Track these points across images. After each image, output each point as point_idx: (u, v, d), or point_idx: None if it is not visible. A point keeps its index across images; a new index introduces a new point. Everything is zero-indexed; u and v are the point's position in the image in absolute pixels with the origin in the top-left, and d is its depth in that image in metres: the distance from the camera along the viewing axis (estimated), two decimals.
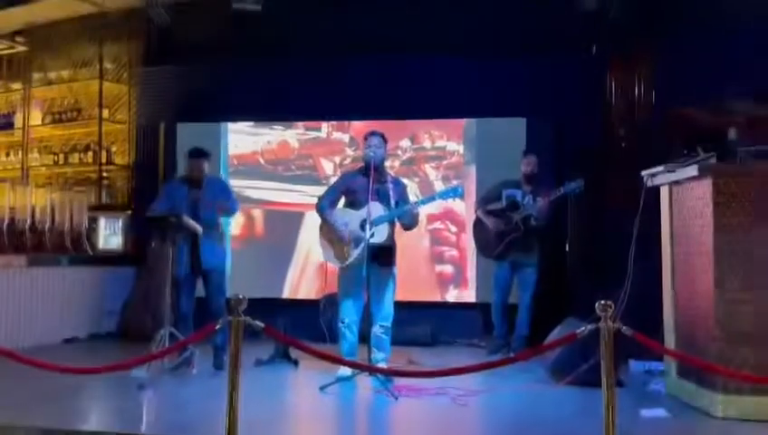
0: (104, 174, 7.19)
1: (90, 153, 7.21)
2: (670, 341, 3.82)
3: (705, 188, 3.47)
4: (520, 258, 5.23)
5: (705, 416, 3.35)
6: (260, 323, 2.89)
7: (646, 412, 3.38)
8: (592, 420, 3.19)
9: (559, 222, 5.90)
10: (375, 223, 4.17)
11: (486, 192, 5.43)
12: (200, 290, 4.70)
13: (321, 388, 3.94)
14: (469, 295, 6.06)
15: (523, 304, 5.25)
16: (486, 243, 5.36)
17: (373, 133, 4.40)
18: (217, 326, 2.87)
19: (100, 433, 3.04)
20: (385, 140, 4.42)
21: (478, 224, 5.45)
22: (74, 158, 7.27)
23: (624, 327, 2.73)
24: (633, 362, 4.53)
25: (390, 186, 4.36)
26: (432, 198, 4.50)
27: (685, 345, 3.64)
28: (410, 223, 4.36)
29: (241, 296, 2.82)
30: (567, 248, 5.69)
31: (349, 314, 4.38)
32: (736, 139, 5.16)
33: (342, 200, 4.51)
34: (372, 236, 4.13)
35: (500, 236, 5.22)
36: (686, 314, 3.71)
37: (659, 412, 3.37)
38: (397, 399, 3.71)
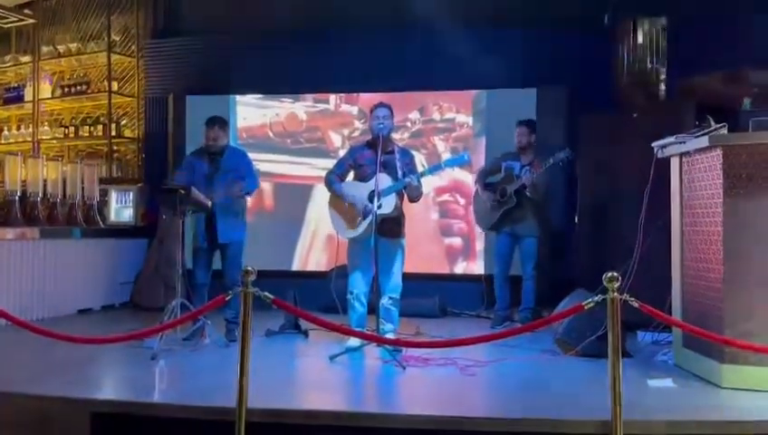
0: (114, 147, 7.23)
1: (99, 126, 7.25)
2: (677, 312, 3.83)
3: (715, 159, 3.44)
4: (518, 230, 5.24)
5: (710, 386, 3.38)
6: (269, 295, 2.93)
7: (653, 383, 3.41)
8: (600, 390, 3.21)
9: (569, 194, 5.90)
10: (383, 194, 4.18)
11: (488, 164, 5.42)
12: (218, 262, 4.74)
13: (331, 358, 4.00)
14: (477, 267, 6.09)
15: (526, 274, 5.27)
16: (483, 215, 5.39)
17: (380, 105, 4.39)
18: (227, 298, 2.92)
19: (114, 402, 3.10)
20: (392, 112, 4.40)
21: (476, 198, 5.48)
22: (84, 131, 7.32)
23: (630, 298, 2.74)
24: (641, 332, 4.55)
25: (397, 156, 4.36)
26: (439, 167, 4.49)
27: (692, 316, 3.65)
28: (413, 195, 4.37)
29: (251, 269, 2.86)
30: (576, 220, 5.67)
31: (357, 286, 4.42)
32: (750, 109, 5.12)
33: (351, 174, 4.52)
34: (380, 207, 4.14)
35: (493, 208, 5.24)
36: (694, 284, 3.71)
37: (666, 382, 3.40)
38: (405, 369, 3.76)
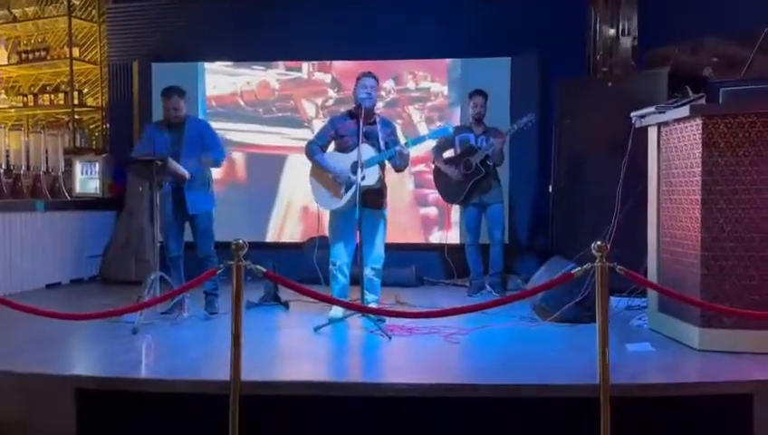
0: (77, 116, 6.98)
1: (60, 94, 6.98)
2: (653, 277, 3.95)
3: (694, 129, 3.52)
4: (484, 199, 5.30)
5: (686, 348, 3.51)
6: (261, 268, 2.90)
7: (631, 347, 3.52)
8: (582, 354, 3.32)
9: (543, 161, 5.97)
10: (366, 165, 4.15)
11: (439, 141, 5.36)
12: (189, 234, 4.66)
13: (316, 329, 4.01)
14: (453, 237, 6.13)
15: (495, 240, 5.34)
16: (451, 190, 5.40)
17: (368, 75, 4.31)
18: (218, 271, 2.88)
19: (101, 378, 3.05)
20: (378, 84, 4.35)
21: (439, 174, 5.47)
22: (44, 99, 7.04)
23: (619, 267, 2.81)
24: (614, 298, 4.66)
25: (379, 127, 4.32)
26: (422, 139, 4.47)
27: (668, 282, 3.77)
28: (401, 164, 4.35)
29: (241, 241, 2.82)
30: (551, 188, 5.75)
31: (340, 257, 4.41)
32: (712, 77, 5.23)
33: (332, 145, 4.46)
34: (363, 178, 4.12)
35: (464, 182, 5.26)
36: (671, 251, 3.82)
37: (645, 346, 3.51)
38: (390, 338, 3.79)
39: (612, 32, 5.82)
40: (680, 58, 5.50)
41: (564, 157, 5.66)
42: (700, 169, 3.46)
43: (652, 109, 3.84)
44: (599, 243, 2.79)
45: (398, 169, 4.41)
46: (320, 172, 4.39)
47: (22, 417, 2.94)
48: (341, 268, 4.41)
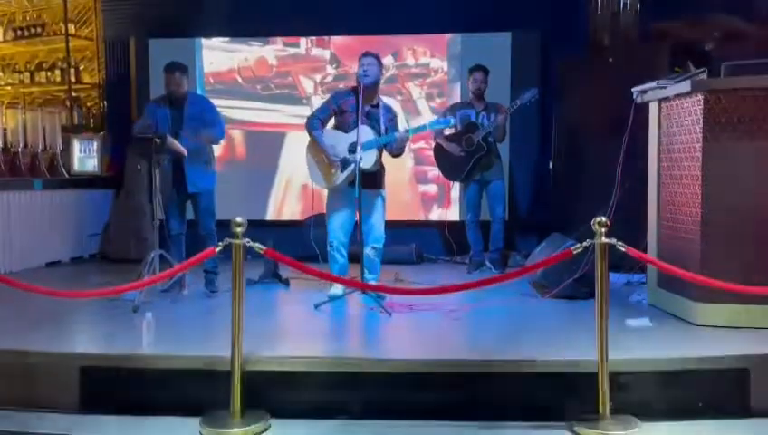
0: (74, 93, 6.93)
1: (57, 71, 6.91)
2: (653, 253, 3.95)
3: (695, 104, 3.49)
4: (486, 176, 5.29)
5: (686, 324, 3.52)
6: (261, 246, 2.91)
7: (631, 322, 3.54)
8: (582, 329, 3.35)
9: (544, 137, 5.95)
10: (364, 147, 4.12)
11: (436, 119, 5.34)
12: (190, 212, 4.65)
13: (316, 306, 4.02)
14: (452, 214, 6.13)
15: (495, 216, 5.33)
16: (452, 167, 5.36)
17: (366, 53, 4.29)
18: (217, 249, 2.88)
19: (105, 356, 3.07)
20: (379, 61, 4.30)
21: (440, 150, 5.43)
22: (41, 76, 6.97)
23: (618, 243, 2.81)
24: (613, 274, 4.68)
25: (382, 111, 4.30)
26: (423, 127, 4.45)
27: (668, 257, 3.76)
28: (398, 151, 4.34)
29: (241, 220, 2.82)
30: (551, 165, 5.74)
31: (337, 237, 4.41)
32: (711, 52, 5.18)
33: (332, 122, 4.44)
34: (361, 160, 4.09)
35: (466, 159, 5.23)
36: (671, 227, 3.82)
37: (644, 322, 3.53)
38: (390, 315, 3.80)
39: (613, 6, 5.76)
40: (682, 33, 5.45)
41: (565, 133, 5.64)
42: (701, 144, 3.44)
43: (653, 84, 3.81)
44: (599, 219, 2.79)
45: (394, 155, 4.39)
46: (316, 150, 4.37)
47: (25, 395, 2.96)
48: (339, 248, 4.41)
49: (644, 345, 3.16)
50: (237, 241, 2.81)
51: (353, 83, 4.30)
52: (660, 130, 3.93)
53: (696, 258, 3.48)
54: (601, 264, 2.77)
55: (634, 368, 2.91)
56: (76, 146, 6.41)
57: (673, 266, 3.14)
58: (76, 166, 6.42)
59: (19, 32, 6.98)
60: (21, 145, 5.77)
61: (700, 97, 3.44)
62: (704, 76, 3.62)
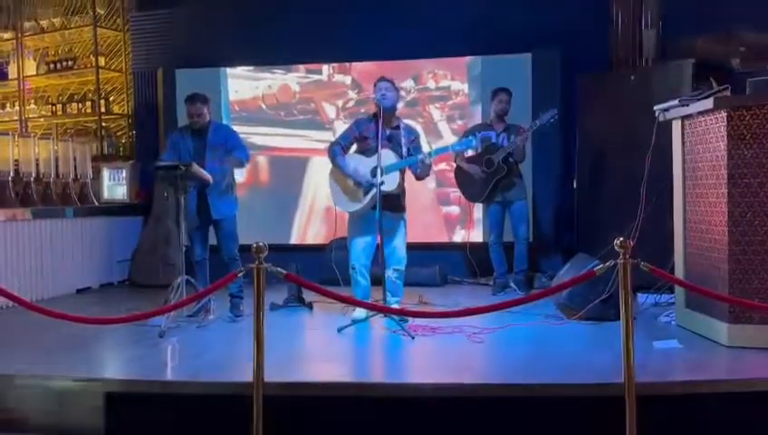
0: (104, 124, 7.12)
1: (88, 103, 7.12)
2: (680, 273, 3.88)
3: (719, 121, 3.45)
4: (508, 196, 5.27)
5: (715, 345, 3.44)
6: (281, 270, 2.92)
7: (659, 344, 3.47)
8: (608, 353, 3.28)
9: (567, 158, 5.91)
10: (386, 171, 4.16)
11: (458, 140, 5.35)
12: (212, 238, 4.71)
13: (339, 329, 4.02)
14: (476, 235, 6.10)
15: (519, 237, 5.31)
16: (473, 189, 5.37)
17: (381, 79, 4.37)
18: (239, 274, 2.91)
19: (130, 381, 3.11)
20: (394, 86, 4.37)
21: (460, 172, 5.45)
22: (72, 108, 7.19)
23: (643, 263, 2.77)
24: (641, 295, 4.61)
25: (403, 133, 4.34)
26: (445, 149, 4.50)
27: (695, 278, 3.70)
28: (423, 174, 4.37)
29: (262, 244, 2.84)
30: (575, 184, 5.69)
31: (359, 260, 4.43)
32: (739, 68, 5.12)
33: (354, 147, 4.49)
34: (383, 183, 4.12)
35: (486, 180, 5.23)
36: (698, 246, 3.75)
37: (672, 343, 3.45)
38: (413, 338, 3.79)
39: (635, 24, 5.74)
40: (706, 48, 5.40)
41: (588, 152, 5.60)
42: (726, 162, 3.39)
43: (675, 102, 3.78)
44: (621, 240, 2.75)
45: (419, 178, 4.43)
46: (340, 173, 4.41)
47: (52, 420, 3.00)
48: (361, 271, 4.43)
49: (672, 368, 3.10)
50: (258, 266, 2.83)
51: (374, 109, 4.35)
52: (684, 148, 3.88)
53: (724, 278, 3.41)
54: (625, 284, 2.73)
55: (661, 391, 2.84)
56: (106, 174, 6.57)
57: (700, 286, 3.09)
58: (106, 194, 6.57)
59: (52, 65, 7.22)
60: (53, 175, 5.93)
61: (723, 114, 3.40)
62: (727, 93, 3.58)
